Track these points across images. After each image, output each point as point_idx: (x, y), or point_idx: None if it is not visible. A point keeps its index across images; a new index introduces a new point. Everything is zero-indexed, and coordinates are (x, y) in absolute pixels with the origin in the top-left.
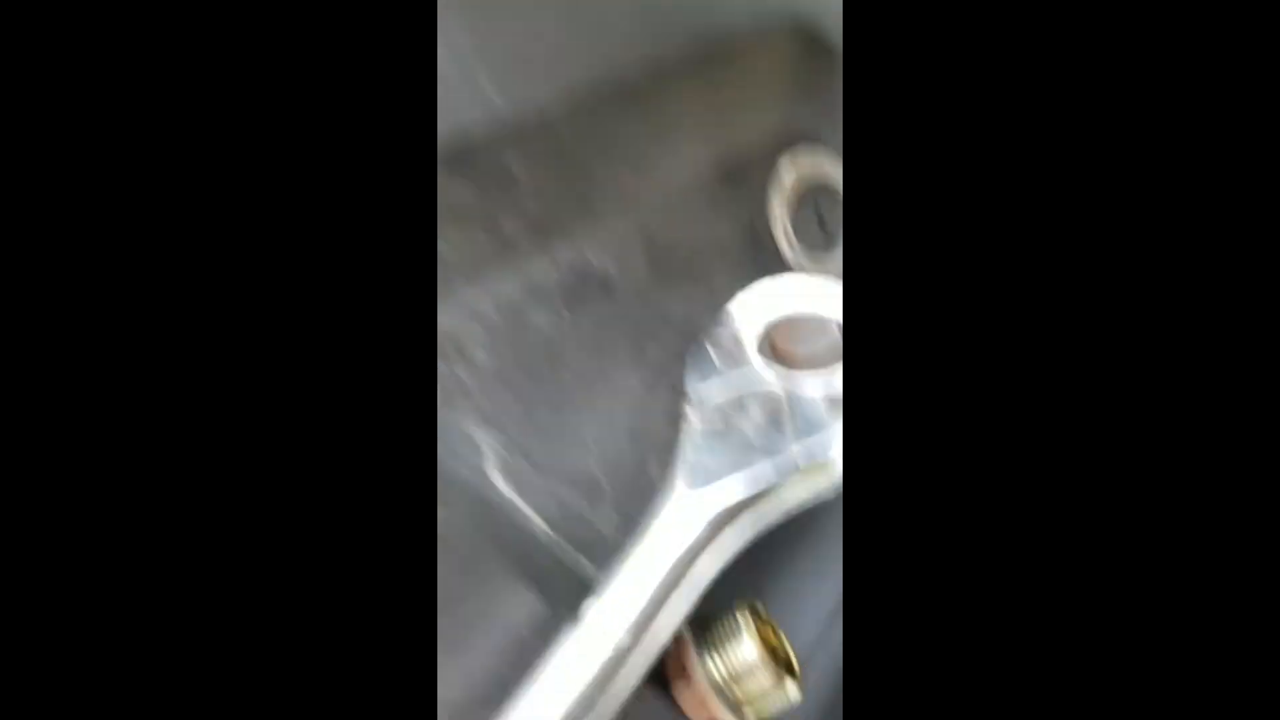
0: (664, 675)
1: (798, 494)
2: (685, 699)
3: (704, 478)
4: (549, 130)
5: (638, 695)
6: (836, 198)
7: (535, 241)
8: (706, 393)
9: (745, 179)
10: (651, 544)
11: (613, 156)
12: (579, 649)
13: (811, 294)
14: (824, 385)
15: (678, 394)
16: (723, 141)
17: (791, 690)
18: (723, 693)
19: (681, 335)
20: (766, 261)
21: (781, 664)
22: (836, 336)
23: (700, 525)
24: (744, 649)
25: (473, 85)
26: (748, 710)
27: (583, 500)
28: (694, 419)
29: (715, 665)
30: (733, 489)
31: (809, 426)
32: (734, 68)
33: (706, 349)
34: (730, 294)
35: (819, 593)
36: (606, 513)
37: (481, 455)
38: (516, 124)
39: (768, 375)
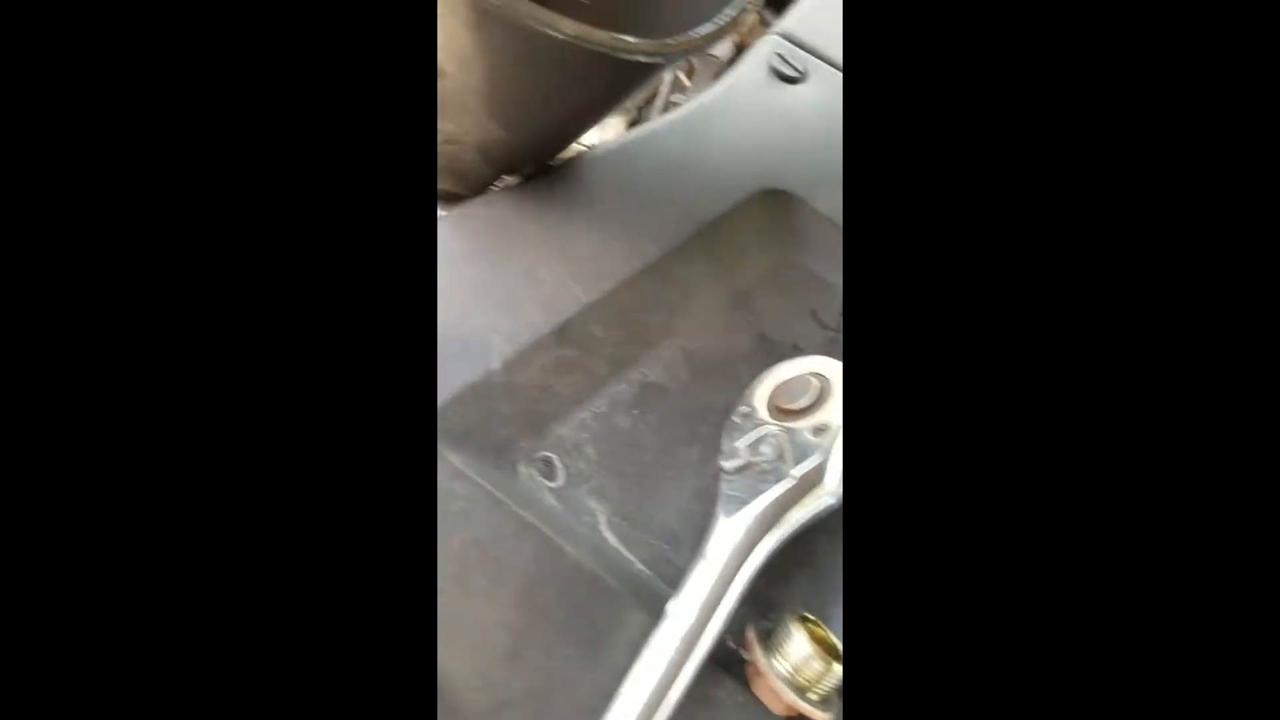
0: (746, 679)
1: (803, 509)
2: (763, 693)
3: (735, 507)
4: (613, 302)
5: (729, 695)
6: (828, 293)
7: (614, 371)
8: (733, 447)
9: (750, 302)
10: (708, 558)
11: (656, 307)
12: (667, 632)
13: (799, 366)
14: (812, 423)
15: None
16: (728, 281)
17: (838, 671)
18: (789, 682)
19: (722, 417)
20: (782, 355)
21: (830, 653)
22: (819, 387)
23: (736, 540)
24: (796, 646)
25: (568, 289)
26: (810, 694)
27: (667, 546)
28: (725, 466)
29: (780, 663)
30: (755, 511)
31: (803, 455)
32: (725, 229)
33: (733, 419)
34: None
35: None
36: (685, 553)
37: (596, 518)
38: (594, 304)
39: (772, 425)
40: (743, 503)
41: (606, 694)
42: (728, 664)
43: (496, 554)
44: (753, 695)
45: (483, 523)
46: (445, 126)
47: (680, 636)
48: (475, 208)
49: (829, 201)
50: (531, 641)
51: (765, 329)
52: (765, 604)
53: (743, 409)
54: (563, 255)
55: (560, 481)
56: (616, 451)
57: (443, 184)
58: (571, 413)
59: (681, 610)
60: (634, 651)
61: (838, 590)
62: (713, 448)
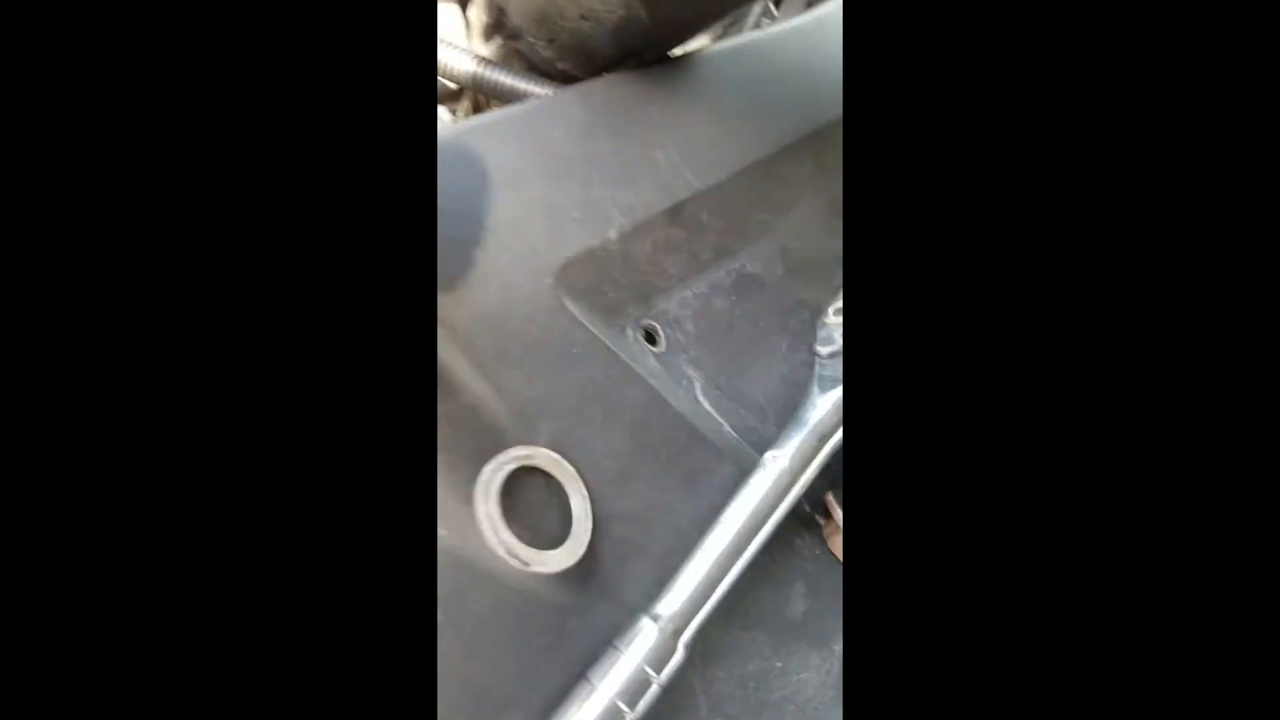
0: (822, 537)
1: None
2: (836, 548)
3: (830, 385)
4: (722, 192)
5: (807, 546)
6: None
7: (716, 258)
8: (829, 336)
9: None
10: (803, 422)
11: (761, 204)
12: (764, 477)
13: None
14: None
15: (810, 350)
16: (832, 187)
17: None
18: None
19: (812, 312)
20: None
21: None
22: None
23: (827, 411)
24: None
25: (681, 174)
26: None
27: (754, 417)
28: (820, 351)
29: None
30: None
31: None
32: (833, 137)
33: (829, 314)
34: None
35: None
36: (769, 427)
37: (693, 384)
38: (704, 192)
39: None
40: (835, 382)
41: (701, 525)
42: (807, 523)
43: (609, 394)
44: (828, 549)
45: (598, 367)
46: (587, 2)
47: (775, 480)
48: (598, 86)
49: None
50: (638, 471)
51: None
52: (839, 478)
53: (837, 305)
54: (679, 142)
55: (662, 348)
56: (713, 330)
57: (564, 64)
58: (675, 289)
59: (778, 460)
60: (727, 493)
61: None
62: (800, 340)
